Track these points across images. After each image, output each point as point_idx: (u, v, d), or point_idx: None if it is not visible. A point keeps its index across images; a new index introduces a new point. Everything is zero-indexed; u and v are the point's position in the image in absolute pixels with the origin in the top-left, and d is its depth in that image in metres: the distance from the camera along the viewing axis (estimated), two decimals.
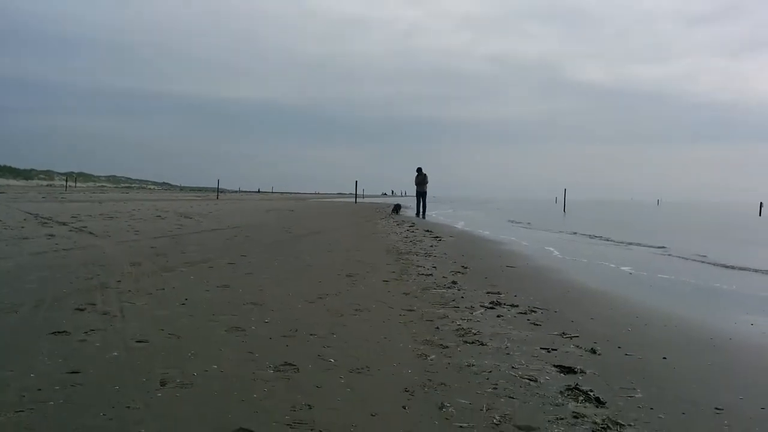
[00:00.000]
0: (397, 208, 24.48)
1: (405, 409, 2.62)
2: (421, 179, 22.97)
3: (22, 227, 10.68)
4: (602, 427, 2.46)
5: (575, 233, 16.44)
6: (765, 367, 3.58)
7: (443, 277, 6.46)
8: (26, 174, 69.37)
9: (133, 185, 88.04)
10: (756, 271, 8.76)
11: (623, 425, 2.50)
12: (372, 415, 2.54)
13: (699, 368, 3.44)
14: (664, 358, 3.57)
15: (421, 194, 22.93)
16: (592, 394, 2.84)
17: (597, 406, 2.72)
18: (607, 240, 14.16)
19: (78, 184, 66.07)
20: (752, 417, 2.65)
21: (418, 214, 22.60)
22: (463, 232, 14.90)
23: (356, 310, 4.63)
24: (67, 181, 62.20)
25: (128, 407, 2.51)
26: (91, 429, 2.28)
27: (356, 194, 40.36)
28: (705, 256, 10.56)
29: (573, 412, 2.63)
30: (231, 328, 3.90)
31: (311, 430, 2.35)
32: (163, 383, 2.80)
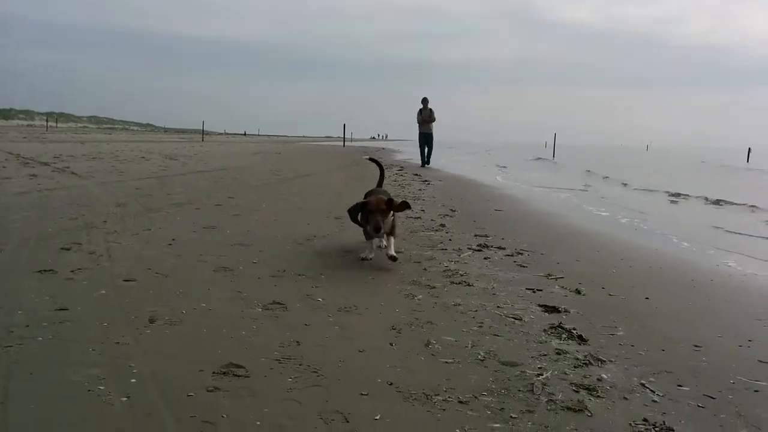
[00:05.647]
0: None
1: (392, 345, 2.67)
2: (428, 115, 17.51)
3: (4, 167, 10.49)
4: (584, 363, 2.53)
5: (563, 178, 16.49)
6: (744, 307, 3.67)
7: (431, 220, 6.48)
8: (5, 114, 67.76)
9: (116, 126, 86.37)
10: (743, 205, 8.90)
11: (604, 361, 2.56)
12: (360, 351, 2.58)
13: (680, 308, 3.52)
14: (647, 298, 3.64)
15: (426, 137, 17.68)
16: (575, 332, 2.91)
17: (579, 344, 2.78)
18: (595, 185, 14.24)
19: (59, 125, 64.66)
20: (729, 354, 2.74)
21: (424, 163, 17.58)
22: (451, 176, 14.87)
23: (345, 251, 4.65)
24: (47, 121, 60.80)
25: (117, 343, 2.52)
26: (81, 363, 2.29)
27: (344, 138, 39.99)
28: (704, 197, 10.82)
29: (556, 348, 2.69)
30: (219, 268, 3.91)
31: (299, 365, 2.39)
32: (151, 320, 2.81)
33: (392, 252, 4.18)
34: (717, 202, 10.45)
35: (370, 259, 4.28)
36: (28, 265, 3.73)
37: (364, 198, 4.54)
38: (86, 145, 22.09)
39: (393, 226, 4.37)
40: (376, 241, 4.43)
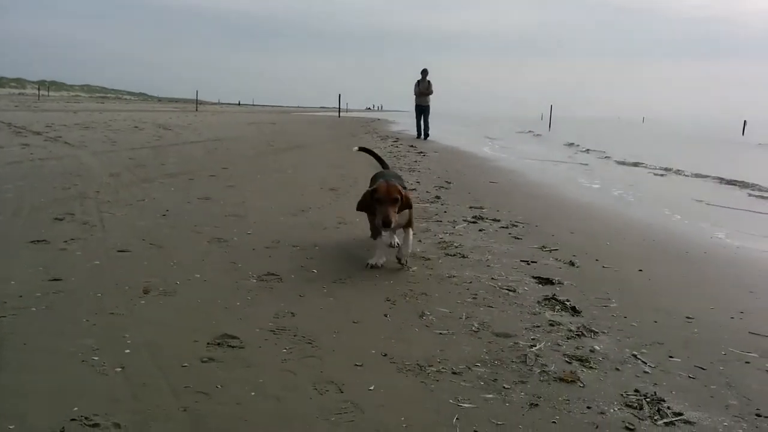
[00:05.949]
0: None
1: (387, 317, 2.68)
2: (425, 87, 17.16)
3: None
4: (576, 334, 2.55)
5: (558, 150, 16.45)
6: (736, 279, 3.69)
7: (426, 192, 6.46)
8: None
9: (108, 95, 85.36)
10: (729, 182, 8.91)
11: (597, 332, 2.58)
12: (354, 322, 2.59)
13: (673, 280, 3.54)
14: (640, 270, 3.66)
15: (422, 109, 17.27)
16: (568, 303, 2.92)
17: (573, 315, 2.80)
18: (588, 159, 14.21)
19: (51, 93, 63.80)
20: (721, 325, 2.76)
21: (419, 135, 17.17)
22: (447, 147, 14.79)
23: (339, 223, 4.64)
24: (39, 89, 59.96)
25: (112, 314, 2.52)
26: (75, 333, 2.29)
27: (339, 108, 39.65)
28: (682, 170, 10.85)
29: (549, 320, 2.71)
30: (213, 239, 3.89)
31: (294, 336, 2.39)
32: (146, 291, 2.81)
33: (409, 250, 3.46)
34: (698, 174, 10.53)
35: (381, 265, 3.41)
36: (21, 236, 3.71)
37: (372, 183, 3.76)
38: (79, 114, 21.83)
39: (410, 218, 3.44)
40: (386, 238, 3.61)
